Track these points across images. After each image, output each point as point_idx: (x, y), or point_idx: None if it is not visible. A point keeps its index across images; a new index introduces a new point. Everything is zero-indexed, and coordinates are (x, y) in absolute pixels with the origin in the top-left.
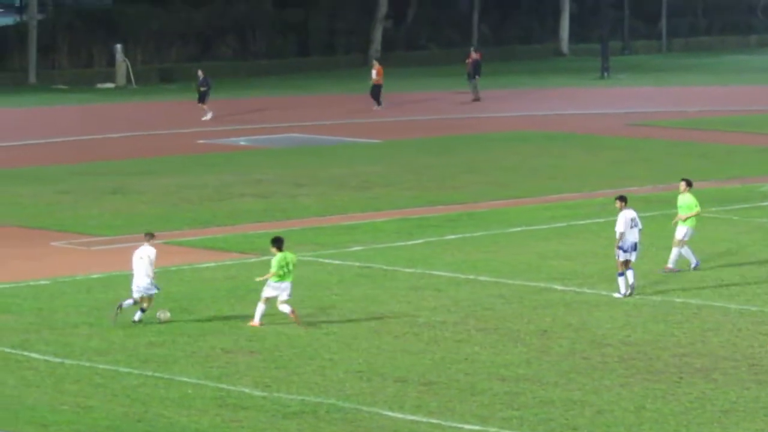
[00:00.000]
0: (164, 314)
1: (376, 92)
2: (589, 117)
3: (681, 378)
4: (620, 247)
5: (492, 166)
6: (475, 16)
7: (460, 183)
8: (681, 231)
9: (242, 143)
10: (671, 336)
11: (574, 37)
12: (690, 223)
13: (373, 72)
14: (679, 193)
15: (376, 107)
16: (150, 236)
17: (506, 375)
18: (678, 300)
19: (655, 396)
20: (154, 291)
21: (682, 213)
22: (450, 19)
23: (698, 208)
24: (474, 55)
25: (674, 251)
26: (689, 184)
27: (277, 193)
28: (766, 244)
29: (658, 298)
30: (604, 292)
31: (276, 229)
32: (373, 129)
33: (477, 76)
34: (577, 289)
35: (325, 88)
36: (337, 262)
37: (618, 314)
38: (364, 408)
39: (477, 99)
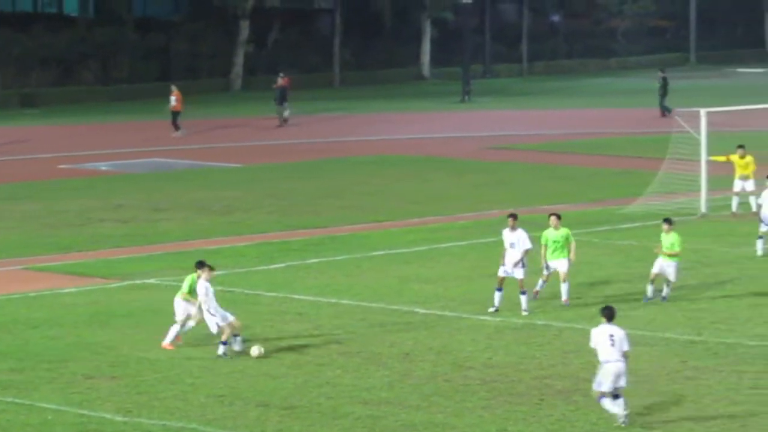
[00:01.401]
0: (258, 350)
1: (174, 118)
2: (450, 141)
3: (542, 400)
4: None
5: (354, 191)
6: (337, 41)
7: (322, 207)
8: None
9: (103, 168)
10: (533, 358)
11: (435, 61)
12: (564, 254)
13: (172, 98)
14: (551, 228)
15: (174, 134)
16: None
17: (368, 398)
18: (540, 322)
19: (517, 418)
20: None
21: (558, 246)
22: (312, 44)
23: (573, 241)
24: (281, 81)
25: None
26: (559, 217)
27: (138, 218)
28: (627, 266)
29: (519, 320)
30: (465, 315)
31: (137, 254)
32: (234, 153)
33: (285, 102)
34: (439, 312)
35: (187, 113)
36: None
37: (480, 337)
38: None
39: (282, 125)
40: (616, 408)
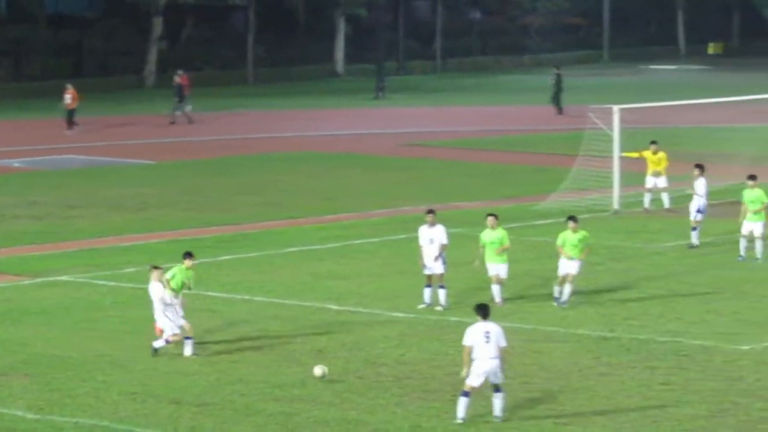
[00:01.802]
0: (321, 370)
1: (70, 116)
2: (364, 138)
3: (455, 396)
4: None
5: (268, 187)
6: (251, 37)
7: (235, 204)
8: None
9: (16, 165)
10: (446, 355)
11: (349, 57)
12: (503, 259)
13: (67, 96)
14: (489, 228)
15: (67, 132)
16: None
17: (281, 395)
18: (453, 319)
19: (430, 414)
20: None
21: (491, 249)
22: (225, 40)
23: (508, 242)
24: (178, 80)
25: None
26: (496, 217)
27: (52, 215)
28: (540, 262)
29: (433, 317)
30: (378, 312)
31: (51, 251)
32: (147, 150)
33: (181, 101)
34: (352, 309)
35: (100, 110)
36: (112, 283)
37: (393, 333)
38: (138, 430)
39: (175, 122)
40: (463, 409)
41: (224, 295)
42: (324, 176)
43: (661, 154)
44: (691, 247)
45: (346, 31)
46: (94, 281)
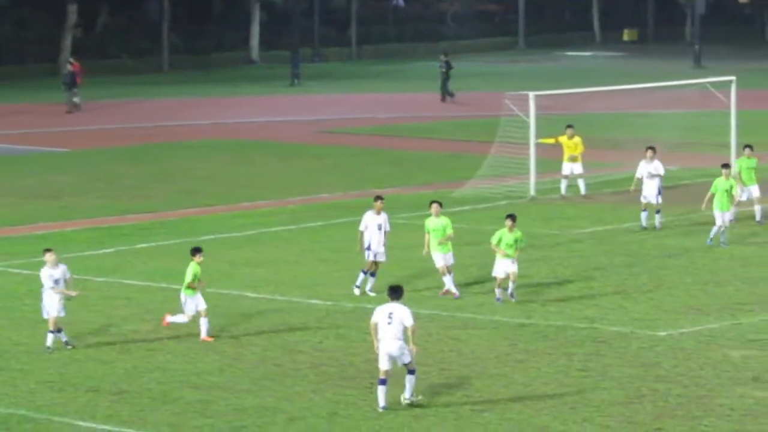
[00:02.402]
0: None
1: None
2: (280, 125)
3: (372, 383)
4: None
5: (184, 175)
6: (165, 25)
7: (151, 192)
8: (445, 258)
9: None
10: (363, 342)
11: (264, 44)
12: (447, 248)
13: None
14: (433, 216)
15: None
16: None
17: (199, 383)
18: (370, 306)
19: (347, 402)
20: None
21: (435, 237)
22: (140, 28)
23: (451, 231)
24: (70, 67)
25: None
26: (441, 204)
27: None
28: (457, 249)
29: (350, 304)
30: (296, 299)
31: None
32: (62, 138)
33: (74, 89)
34: (269, 296)
35: (15, 97)
36: (27, 272)
37: (310, 321)
38: (56, 418)
39: (72, 111)
40: (383, 397)
41: (141, 283)
42: (240, 164)
43: (577, 139)
44: (644, 228)
45: (261, 18)
46: (9, 270)
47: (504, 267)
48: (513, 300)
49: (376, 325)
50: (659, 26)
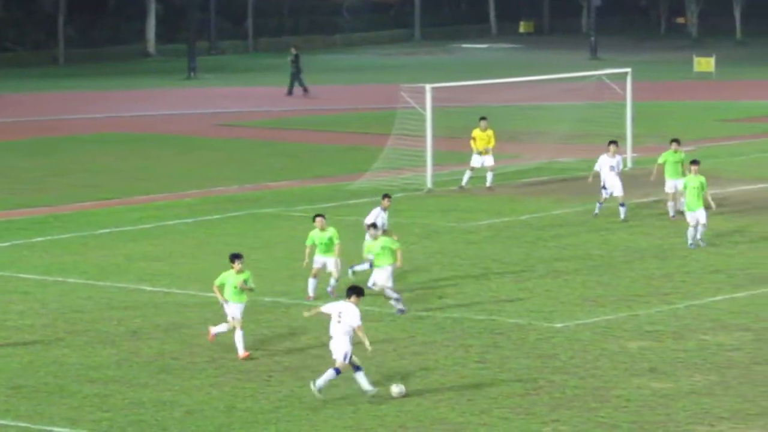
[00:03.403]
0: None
1: None
2: (177, 118)
3: (271, 377)
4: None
5: (80, 169)
6: (61, 18)
7: (47, 185)
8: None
9: None
10: (261, 335)
11: (161, 38)
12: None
13: None
14: (318, 229)
15: None
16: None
17: (96, 377)
18: (267, 299)
19: (245, 395)
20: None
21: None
22: (36, 20)
23: (338, 241)
24: None
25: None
26: (324, 217)
27: None
28: (355, 241)
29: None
30: (193, 292)
31: None
32: None
33: None
34: (167, 290)
35: None
36: None
37: (208, 314)
38: None
39: None
40: (364, 382)
41: (37, 276)
42: (136, 157)
43: (490, 132)
44: (596, 215)
45: (158, 11)
46: None
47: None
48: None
49: (326, 314)
50: (555, 18)
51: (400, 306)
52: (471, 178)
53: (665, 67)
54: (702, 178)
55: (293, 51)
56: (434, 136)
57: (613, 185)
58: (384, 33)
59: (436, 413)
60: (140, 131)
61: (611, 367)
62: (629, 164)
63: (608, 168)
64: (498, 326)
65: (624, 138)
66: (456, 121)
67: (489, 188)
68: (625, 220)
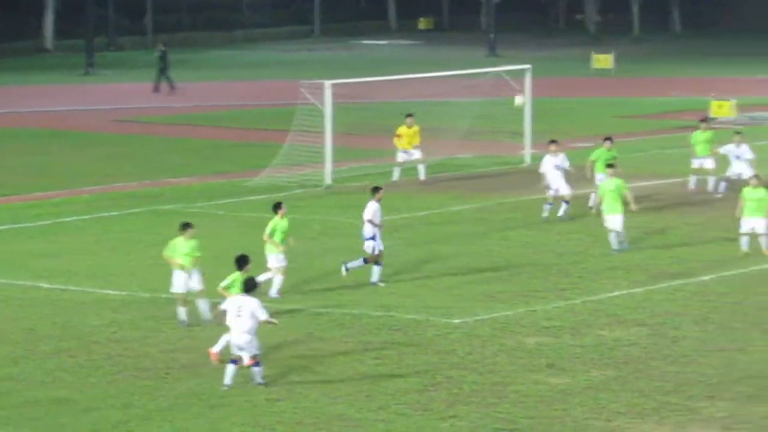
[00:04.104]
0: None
1: None
2: (75, 114)
3: (168, 374)
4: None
5: None
6: None
7: None
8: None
9: None
10: (159, 332)
11: (58, 33)
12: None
13: None
14: (182, 239)
15: None
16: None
17: None
18: (164, 296)
19: (142, 393)
20: None
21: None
22: None
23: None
24: None
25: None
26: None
27: None
28: (252, 237)
29: (146, 294)
30: (90, 289)
31: None
32: None
33: None
34: (63, 287)
35: None
36: None
37: (105, 311)
38: None
39: None
40: (230, 377)
41: None
42: (34, 153)
43: (416, 128)
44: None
45: (55, 6)
46: None
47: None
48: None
49: (224, 312)
50: (455, 14)
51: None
52: (401, 171)
53: (564, 64)
54: (619, 181)
55: (161, 47)
56: (333, 133)
57: (559, 184)
58: (284, 29)
59: (333, 410)
60: (38, 127)
61: (509, 363)
62: (528, 160)
63: (553, 167)
64: (396, 322)
65: (522, 135)
66: (355, 117)
67: (422, 182)
68: (562, 219)
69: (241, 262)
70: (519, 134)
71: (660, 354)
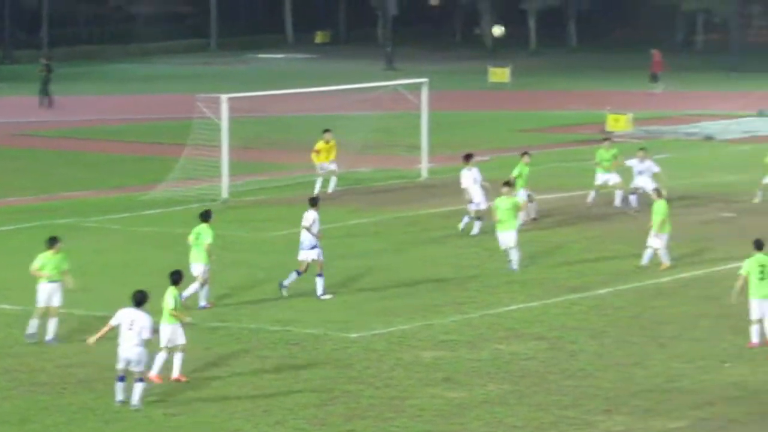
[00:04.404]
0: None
1: None
2: None
3: (65, 389)
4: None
5: None
6: None
7: None
8: (199, 268)
9: None
10: (55, 347)
11: None
12: (206, 259)
13: None
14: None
15: None
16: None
17: None
18: (62, 311)
19: (38, 408)
20: None
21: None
22: None
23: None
24: None
25: (198, 287)
26: (206, 217)
27: None
28: (149, 252)
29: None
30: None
31: None
32: None
33: None
34: None
35: None
36: None
37: (0, 326)
38: None
39: None
40: (120, 392)
41: None
42: None
43: (333, 142)
44: (462, 231)
45: None
46: None
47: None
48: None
49: (118, 326)
50: (352, 28)
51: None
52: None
53: (461, 77)
54: (514, 199)
55: (44, 61)
56: (230, 147)
57: (480, 198)
58: (180, 42)
59: (231, 425)
60: None
61: (406, 377)
62: (424, 174)
63: (472, 181)
64: (293, 337)
65: (419, 148)
66: (252, 131)
67: (329, 194)
68: (476, 235)
69: (175, 277)
70: (416, 148)
71: (557, 368)
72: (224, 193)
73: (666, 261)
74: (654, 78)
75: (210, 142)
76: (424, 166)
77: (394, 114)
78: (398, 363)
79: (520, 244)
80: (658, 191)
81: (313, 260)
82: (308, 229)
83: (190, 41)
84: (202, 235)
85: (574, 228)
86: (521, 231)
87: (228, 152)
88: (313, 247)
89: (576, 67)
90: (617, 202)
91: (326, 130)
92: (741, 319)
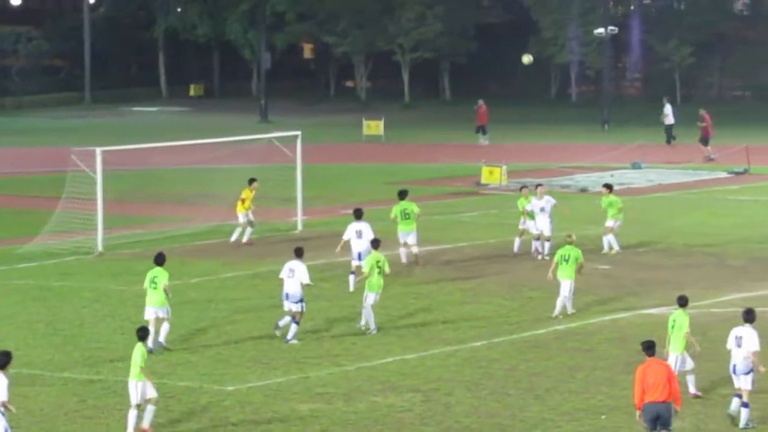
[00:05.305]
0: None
1: None
2: None
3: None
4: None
5: None
6: None
7: None
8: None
9: None
10: None
11: None
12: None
13: None
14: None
15: None
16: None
17: None
18: None
19: None
20: None
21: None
22: None
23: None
24: None
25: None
26: (160, 260)
27: None
28: (24, 305)
29: None
30: None
31: None
32: None
33: None
34: None
35: None
36: None
37: None
38: None
39: None
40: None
41: None
42: None
43: (255, 191)
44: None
45: None
46: None
47: None
48: None
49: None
50: (226, 81)
51: None
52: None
53: (335, 130)
54: (380, 256)
55: None
56: (105, 200)
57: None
58: (54, 96)
59: None
60: None
61: (283, 430)
62: (299, 227)
63: (355, 235)
64: (169, 389)
65: (294, 200)
66: (127, 183)
67: (246, 242)
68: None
69: (142, 333)
70: (290, 200)
71: (433, 420)
72: (99, 246)
73: (617, 247)
74: (481, 130)
75: (85, 195)
76: (299, 219)
77: (268, 166)
78: (274, 416)
79: (393, 297)
80: (608, 186)
81: (295, 311)
82: (304, 282)
83: (65, 94)
84: (159, 277)
85: (447, 279)
86: (396, 284)
87: (103, 205)
88: (299, 301)
89: (449, 120)
90: (535, 247)
91: (252, 179)
92: (616, 371)
